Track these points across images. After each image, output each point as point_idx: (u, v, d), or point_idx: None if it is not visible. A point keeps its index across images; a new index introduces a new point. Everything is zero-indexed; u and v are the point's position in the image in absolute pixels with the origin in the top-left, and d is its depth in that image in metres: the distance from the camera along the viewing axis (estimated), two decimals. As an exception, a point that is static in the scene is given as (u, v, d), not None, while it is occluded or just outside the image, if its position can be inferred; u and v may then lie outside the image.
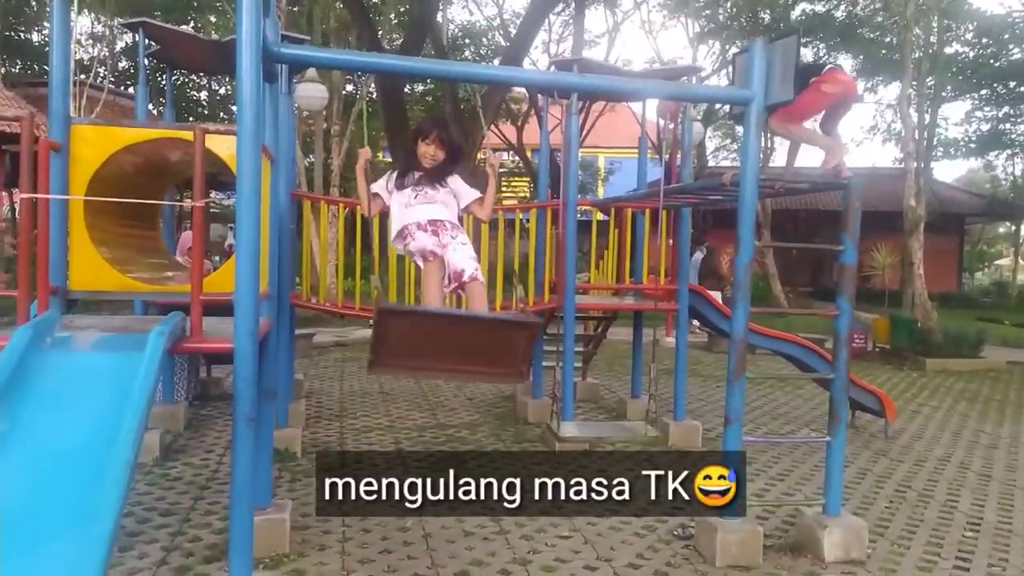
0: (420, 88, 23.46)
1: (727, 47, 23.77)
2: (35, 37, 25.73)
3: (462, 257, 3.64)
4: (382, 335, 3.24)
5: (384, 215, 4.00)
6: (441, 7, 20.69)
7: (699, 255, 11.55)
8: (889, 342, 12.74)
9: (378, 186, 3.89)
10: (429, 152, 3.75)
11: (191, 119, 22.97)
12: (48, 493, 2.40)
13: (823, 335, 14.48)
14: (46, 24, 19.32)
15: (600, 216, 9.27)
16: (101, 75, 19.95)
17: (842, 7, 21.40)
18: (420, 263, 3.74)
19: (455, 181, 3.84)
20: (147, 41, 6.43)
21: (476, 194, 3.86)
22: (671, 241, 12.04)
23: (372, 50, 12.09)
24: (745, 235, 4.33)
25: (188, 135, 3.63)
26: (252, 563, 3.35)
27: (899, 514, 5.28)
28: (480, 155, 3.58)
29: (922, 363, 11.94)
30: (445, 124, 3.99)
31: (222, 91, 25.94)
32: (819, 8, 21.76)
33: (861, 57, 21.62)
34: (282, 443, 6.16)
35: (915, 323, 12.86)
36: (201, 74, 22.37)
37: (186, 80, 24.69)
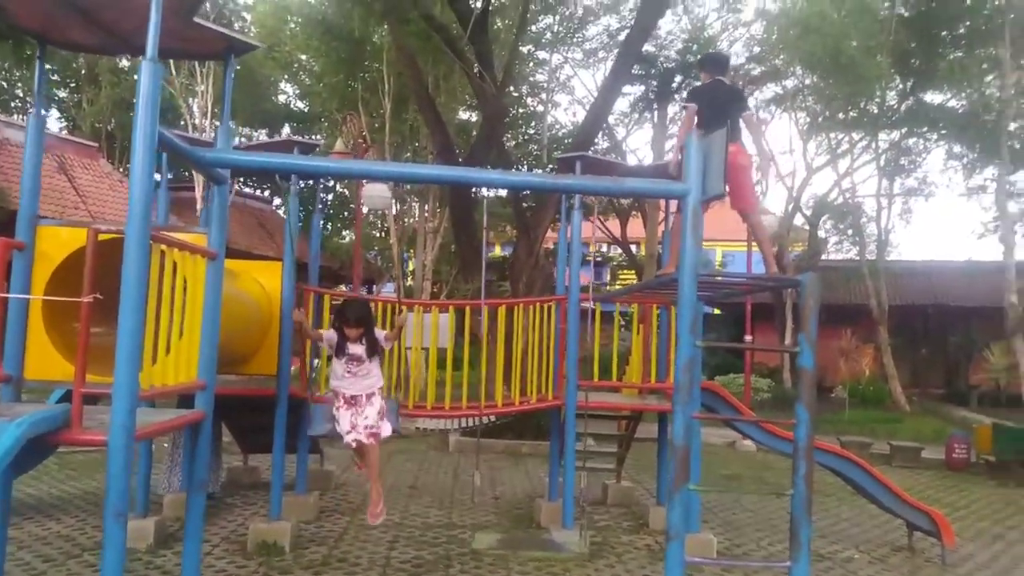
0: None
1: (836, 137, 23.04)
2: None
3: (370, 416, 5.10)
4: None
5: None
6: (548, 109, 21.47)
7: None
8: (993, 453, 11.39)
9: (327, 334, 5.26)
10: (354, 333, 5.07)
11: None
12: None
13: (925, 441, 13.26)
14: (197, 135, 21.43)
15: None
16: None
17: (954, 99, 20.35)
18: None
19: (373, 334, 5.19)
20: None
21: (383, 333, 5.35)
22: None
23: (442, 151, 12.59)
24: (683, 333, 4.06)
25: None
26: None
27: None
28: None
29: (1032, 479, 10.58)
30: (349, 308, 5.23)
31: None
32: (932, 98, 20.81)
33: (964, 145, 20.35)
34: (271, 536, 6.15)
35: (1025, 433, 11.47)
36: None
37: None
